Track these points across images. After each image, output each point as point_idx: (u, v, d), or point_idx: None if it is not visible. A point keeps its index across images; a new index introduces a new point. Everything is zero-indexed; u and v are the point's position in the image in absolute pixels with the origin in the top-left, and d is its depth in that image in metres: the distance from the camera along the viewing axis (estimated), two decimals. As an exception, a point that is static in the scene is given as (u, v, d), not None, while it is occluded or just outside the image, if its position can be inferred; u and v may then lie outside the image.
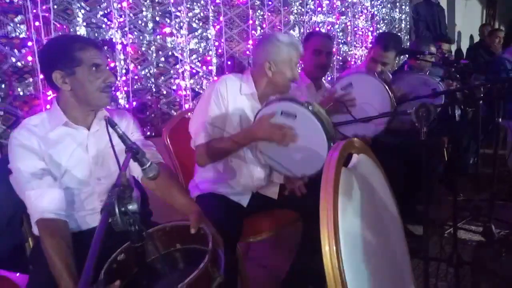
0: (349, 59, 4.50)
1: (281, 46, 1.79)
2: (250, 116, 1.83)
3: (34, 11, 2.05)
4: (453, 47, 7.21)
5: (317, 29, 4.04)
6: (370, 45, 2.89)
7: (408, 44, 5.31)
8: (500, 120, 2.48)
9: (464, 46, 7.47)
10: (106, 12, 2.40)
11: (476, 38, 7.37)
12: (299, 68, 2.83)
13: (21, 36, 2.06)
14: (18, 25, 2.05)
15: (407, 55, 3.41)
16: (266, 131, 1.64)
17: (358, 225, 0.98)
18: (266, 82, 1.85)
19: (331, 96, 2.11)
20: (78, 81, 1.35)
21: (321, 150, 1.54)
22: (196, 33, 2.93)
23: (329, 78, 4.01)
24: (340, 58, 4.40)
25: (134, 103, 2.61)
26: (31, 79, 2.11)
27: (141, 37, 2.61)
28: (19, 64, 2.07)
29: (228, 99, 1.79)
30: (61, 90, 1.39)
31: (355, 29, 4.54)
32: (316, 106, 1.53)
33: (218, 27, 3.06)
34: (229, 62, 3.17)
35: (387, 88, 1.97)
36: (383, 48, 2.62)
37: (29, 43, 2.07)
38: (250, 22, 3.31)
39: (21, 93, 2.09)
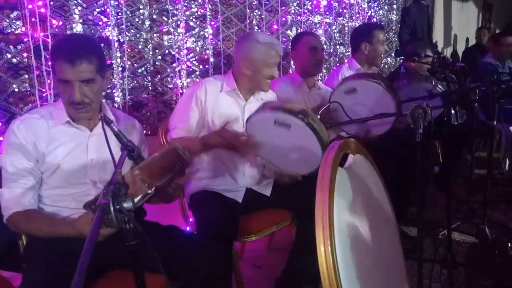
0: (346, 60, 4.50)
1: (257, 46, 1.84)
2: (233, 111, 1.91)
3: (30, 7, 2.04)
4: (449, 50, 7.25)
5: (314, 29, 4.04)
6: (358, 38, 2.87)
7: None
8: (494, 122, 2.49)
9: (460, 48, 7.52)
10: (103, 9, 2.39)
11: (472, 41, 7.42)
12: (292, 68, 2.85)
13: (16, 32, 2.05)
14: (13, 21, 2.03)
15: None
16: (228, 136, 1.72)
17: (353, 225, 0.98)
18: (245, 80, 1.91)
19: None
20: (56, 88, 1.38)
21: (315, 156, 1.55)
22: (193, 32, 2.93)
23: (325, 78, 4.01)
24: (337, 59, 4.41)
25: (130, 102, 2.60)
26: (26, 76, 2.09)
27: (138, 35, 2.60)
28: (14, 60, 2.05)
29: (207, 102, 1.86)
30: None
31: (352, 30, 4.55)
32: (310, 115, 1.53)
33: (215, 26, 3.05)
34: (226, 62, 3.16)
35: (394, 97, 1.95)
36: (378, 28, 2.82)
37: (25, 39, 2.06)
38: (248, 21, 3.31)
39: (16, 90, 2.07)
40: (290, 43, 2.69)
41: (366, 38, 2.82)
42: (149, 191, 1.04)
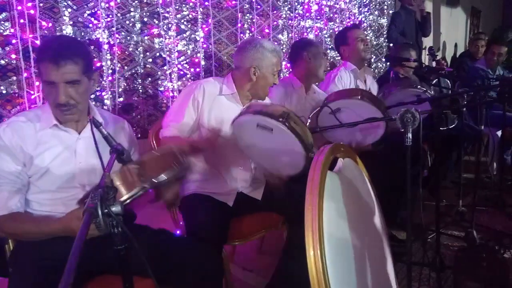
0: (337, 65, 4.54)
1: (265, 53, 1.85)
2: (230, 114, 1.86)
3: (19, 8, 2.02)
4: (438, 55, 7.33)
5: (305, 34, 4.06)
6: (343, 45, 2.88)
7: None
8: (482, 127, 2.53)
9: (449, 54, 7.62)
10: (93, 11, 2.38)
11: (460, 46, 7.54)
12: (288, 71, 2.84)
13: (5, 33, 2.03)
14: (2, 22, 2.01)
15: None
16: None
17: (342, 229, 0.99)
18: (249, 86, 1.91)
19: None
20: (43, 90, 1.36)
21: (299, 158, 1.56)
22: (185, 35, 2.93)
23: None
24: (328, 63, 4.44)
25: (121, 104, 2.58)
26: (14, 78, 2.07)
27: (128, 38, 2.59)
28: (2, 62, 2.03)
29: (204, 103, 1.85)
30: None
31: (343, 35, 4.58)
32: (291, 118, 1.53)
33: (206, 29, 3.05)
34: (217, 65, 3.17)
35: (380, 108, 1.96)
36: (352, 28, 2.85)
37: (14, 41, 2.04)
38: (239, 25, 3.32)
39: (4, 92, 2.05)
40: (294, 48, 2.56)
41: (342, 42, 2.87)
42: (145, 185, 1.04)
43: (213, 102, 1.87)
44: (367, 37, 2.88)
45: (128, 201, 1.01)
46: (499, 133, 3.60)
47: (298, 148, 1.53)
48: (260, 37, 3.39)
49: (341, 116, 1.97)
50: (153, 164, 1.12)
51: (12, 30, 2.03)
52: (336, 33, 3.67)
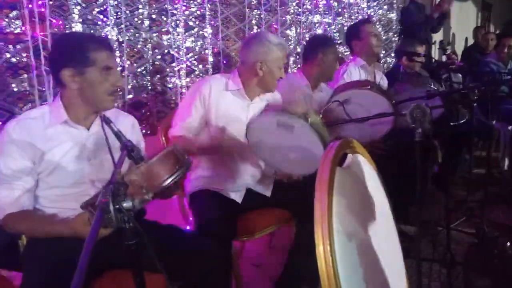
0: (346, 60, 4.50)
1: (270, 47, 1.85)
2: (237, 110, 1.90)
3: (30, 6, 2.04)
4: (448, 50, 7.25)
5: (314, 29, 4.04)
6: (356, 39, 2.84)
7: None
8: (493, 122, 2.50)
9: (459, 48, 7.52)
10: (102, 8, 2.39)
11: (471, 41, 7.42)
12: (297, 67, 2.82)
13: (16, 31, 2.05)
14: (13, 20, 2.03)
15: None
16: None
17: (352, 225, 0.98)
18: (255, 80, 1.91)
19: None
20: (87, 81, 1.35)
21: (317, 157, 1.55)
22: (193, 31, 2.93)
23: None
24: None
25: (130, 101, 2.60)
26: (25, 75, 2.09)
27: (137, 35, 2.60)
28: (13, 59, 2.05)
29: (210, 100, 1.86)
30: (67, 88, 1.38)
31: (352, 30, 4.54)
32: (312, 116, 1.53)
33: (214, 25, 3.05)
34: (225, 61, 3.16)
35: (389, 100, 1.95)
36: (365, 22, 2.86)
37: (24, 39, 2.06)
38: (247, 21, 3.31)
39: (16, 89, 2.07)
40: (310, 46, 2.52)
41: (355, 36, 2.84)
42: (147, 197, 1.04)
43: (219, 98, 1.87)
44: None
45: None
46: (510, 128, 3.56)
47: (318, 147, 1.52)
48: (263, 30, 3.37)
49: (350, 108, 1.95)
50: (154, 172, 1.10)
51: (22, 28, 2.05)
52: (348, 26, 3.64)
